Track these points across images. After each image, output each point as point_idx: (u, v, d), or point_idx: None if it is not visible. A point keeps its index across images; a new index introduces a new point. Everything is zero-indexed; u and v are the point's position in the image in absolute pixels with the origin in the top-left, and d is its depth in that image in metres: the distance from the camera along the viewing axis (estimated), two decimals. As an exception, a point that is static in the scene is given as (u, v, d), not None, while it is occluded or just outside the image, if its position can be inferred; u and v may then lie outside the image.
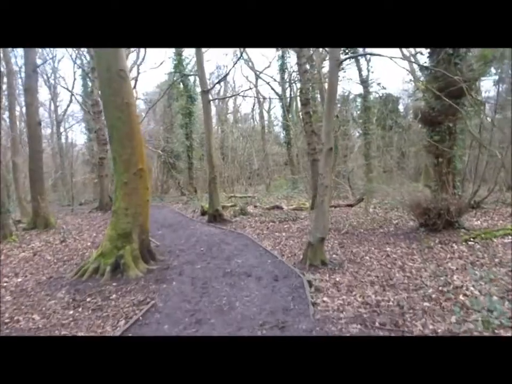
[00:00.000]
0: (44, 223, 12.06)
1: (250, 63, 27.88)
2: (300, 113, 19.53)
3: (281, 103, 25.84)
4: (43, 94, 60.33)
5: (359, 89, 28.44)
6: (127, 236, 6.35)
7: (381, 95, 29.47)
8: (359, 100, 30.18)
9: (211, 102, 13.31)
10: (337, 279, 5.54)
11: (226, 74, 15.95)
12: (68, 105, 37.11)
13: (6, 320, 4.55)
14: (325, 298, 4.76)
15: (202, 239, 9.07)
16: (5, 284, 6.19)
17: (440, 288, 4.86)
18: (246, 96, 34.57)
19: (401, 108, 30.60)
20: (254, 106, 40.97)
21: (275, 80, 26.61)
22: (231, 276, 5.77)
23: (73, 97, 31.69)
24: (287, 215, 12.62)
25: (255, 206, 16.41)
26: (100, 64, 6.71)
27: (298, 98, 23.36)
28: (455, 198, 8.24)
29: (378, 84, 27.15)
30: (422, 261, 6.28)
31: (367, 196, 15.25)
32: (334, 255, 7.05)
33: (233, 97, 41.72)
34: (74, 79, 35.88)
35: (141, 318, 4.36)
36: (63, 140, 36.82)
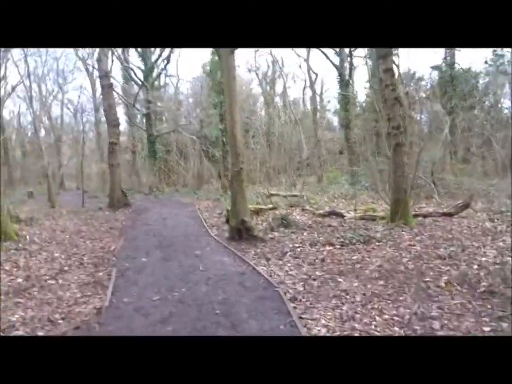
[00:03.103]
0: (-5, 234, 8.30)
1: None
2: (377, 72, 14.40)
3: (339, 75, 20.75)
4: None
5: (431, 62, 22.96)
6: None
7: (463, 67, 23.66)
8: (435, 73, 24.44)
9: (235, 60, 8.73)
10: None
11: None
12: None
13: None
14: None
15: (197, 295, 4.66)
16: None
17: None
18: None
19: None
20: (304, 89, 36.02)
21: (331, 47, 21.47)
22: None
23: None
24: (353, 230, 7.99)
25: (303, 209, 11.84)
26: None
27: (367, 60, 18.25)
28: None
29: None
30: None
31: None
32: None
33: (281, 79, 36.94)
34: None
35: None
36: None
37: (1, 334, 3.79)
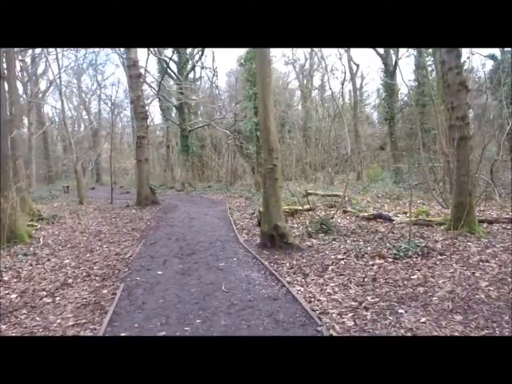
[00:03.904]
0: (6, 235, 7.65)
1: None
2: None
3: (383, 65, 19.12)
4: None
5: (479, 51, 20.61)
6: None
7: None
8: (489, 62, 22.14)
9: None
10: None
11: None
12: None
13: None
14: None
15: (214, 332, 3.64)
16: None
17: None
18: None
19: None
20: (343, 81, 34.24)
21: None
22: None
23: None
24: (406, 239, 6.68)
25: (345, 211, 10.57)
26: None
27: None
28: None
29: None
30: None
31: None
32: None
33: (320, 71, 35.28)
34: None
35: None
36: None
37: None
